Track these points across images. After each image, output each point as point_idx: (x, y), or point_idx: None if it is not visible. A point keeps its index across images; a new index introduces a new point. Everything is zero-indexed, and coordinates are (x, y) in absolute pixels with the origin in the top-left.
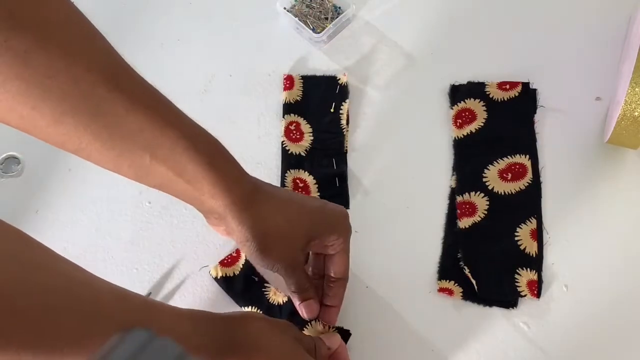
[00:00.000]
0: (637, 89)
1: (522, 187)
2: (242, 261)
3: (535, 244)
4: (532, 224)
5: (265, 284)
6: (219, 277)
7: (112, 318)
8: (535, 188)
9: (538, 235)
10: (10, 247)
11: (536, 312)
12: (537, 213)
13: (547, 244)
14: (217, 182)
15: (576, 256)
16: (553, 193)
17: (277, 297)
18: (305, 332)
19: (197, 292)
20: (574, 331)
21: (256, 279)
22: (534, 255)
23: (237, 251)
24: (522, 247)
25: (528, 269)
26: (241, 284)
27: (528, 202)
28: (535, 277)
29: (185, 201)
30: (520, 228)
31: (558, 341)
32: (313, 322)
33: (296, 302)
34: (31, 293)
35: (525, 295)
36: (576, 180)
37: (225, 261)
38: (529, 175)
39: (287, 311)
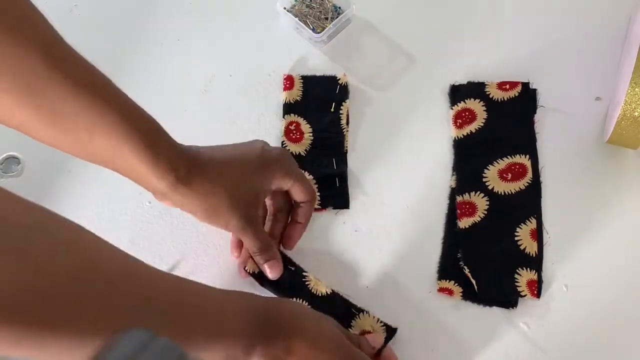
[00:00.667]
0: (637, 89)
1: (522, 187)
2: None
3: (535, 244)
4: (532, 223)
5: (304, 273)
6: (256, 272)
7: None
8: (535, 188)
9: (538, 235)
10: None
11: (536, 312)
12: (537, 213)
13: (547, 244)
14: (158, 163)
15: (576, 256)
16: (553, 193)
17: (319, 287)
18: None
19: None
20: (574, 331)
21: (292, 268)
22: (534, 255)
23: None
24: (522, 247)
25: (528, 269)
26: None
27: (528, 202)
28: (535, 277)
29: (131, 180)
30: (520, 228)
31: (558, 341)
32: (360, 317)
33: (260, 262)
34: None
35: (525, 295)
36: (576, 180)
37: None
38: (529, 175)
39: (333, 304)
